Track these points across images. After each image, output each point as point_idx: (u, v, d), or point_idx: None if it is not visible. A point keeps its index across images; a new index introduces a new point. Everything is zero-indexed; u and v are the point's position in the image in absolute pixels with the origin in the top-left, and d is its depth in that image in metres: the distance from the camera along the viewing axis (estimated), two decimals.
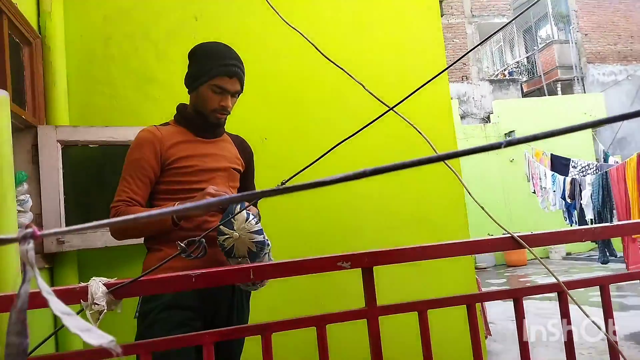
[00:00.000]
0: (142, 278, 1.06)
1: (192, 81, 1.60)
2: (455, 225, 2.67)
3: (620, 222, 1.52)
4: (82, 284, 1.03)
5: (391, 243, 1.31)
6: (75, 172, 2.21)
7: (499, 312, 5.34)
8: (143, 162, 1.51)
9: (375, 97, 1.41)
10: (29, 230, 0.41)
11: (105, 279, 1.06)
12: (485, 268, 10.53)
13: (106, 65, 2.47)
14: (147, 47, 2.52)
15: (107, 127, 2.25)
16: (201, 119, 1.62)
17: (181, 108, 1.67)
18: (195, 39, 2.52)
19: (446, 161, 1.49)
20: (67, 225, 2.12)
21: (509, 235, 1.34)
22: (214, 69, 1.54)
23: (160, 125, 1.62)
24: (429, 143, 1.36)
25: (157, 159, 1.53)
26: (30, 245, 0.41)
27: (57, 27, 2.35)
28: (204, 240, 1.11)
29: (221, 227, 1.41)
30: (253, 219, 1.46)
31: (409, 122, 1.40)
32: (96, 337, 0.36)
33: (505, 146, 0.43)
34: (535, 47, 14.87)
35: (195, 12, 2.60)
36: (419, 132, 1.41)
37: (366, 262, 1.26)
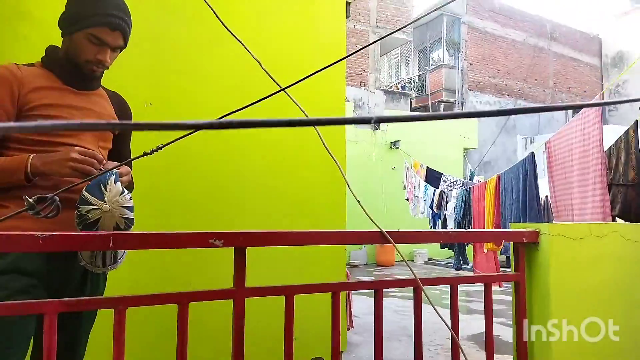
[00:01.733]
0: None
1: (67, 24, 1.41)
2: (334, 220, 2.76)
3: (472, 230, 1.70)
4: None
5: (269, 226, 1.30)
6: None
7: (363, 307, 5.67)
8: None
9: (269, 75, 1.40)
10: None
11: None
12: (357, 265, 11.15)
13: None
14: None
15: None
16: (72, 66, 1.43)
17: (52, 50, 1.47)
18: None
19: (332, 155, 1.54)
20: None
21: (378, 230, 1.41)
22: (95, 17, 1.38)
23: (23, 64, 1.41)
24: (303, 110, 1.38)
25: (12, 101, 1.32)
26: None
27: None
28: (57, 198, 0.97)
29: (88, 195, 1.25)
30: (127, 194, 1.34)
31: (296, 103, 1.41)
32: None
33: (374, 122, 0.44)
34: (427, 68, 16.05)
35: None
36: (302, 110, 1.42)
37: (240, 242, 1.24)
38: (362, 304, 5.83)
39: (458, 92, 15.11)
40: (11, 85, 1.32)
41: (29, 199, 0.96)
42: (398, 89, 15.60)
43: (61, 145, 1.33)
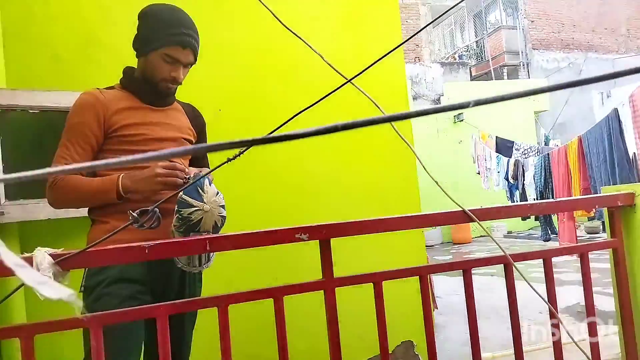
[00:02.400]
0: (90, 249, 1.01)
1: (141, 45, 1.49)
2: (408, 202, 2.73)
3: (561, 199, 1.61)
4: (27, 254, 0.96)
5: (344, 219, 1.32)
6: (14, 139, 2.06)
7: (445, 288, 5.59)
8: (84, 127, 1.40)
9: (333, 68, 1.40)
10: None
11: (51, 249, 1.00)
12: (432, 245, 10.95)
13: (46, 24, 2.29)
14: (91, 6, 2.36)
15: (50, 91, 2.10)
16: (149, 86, 1.51)
17: (128, 71, 1.55)
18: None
19: (402, 136, 1.52)
20: (6, 196, 1.98)
21: (460, 209, 1.38)
22: (167, 37, 1.44)
23: (104, 88, 1.51)
24: (381, 111, 1.36)
25: (99, 125, 1.42)
26: None
27: None
28: (157, 210, 1.06)
29: (188, 199, 1.35)
30: (220, 194, 1.43)
31: (364, 93, 1.40)
32: (53, 290, 0.34)
33: (473, 105, 0.43)
34: (484, 32, 15.29)
35: None
36: (374, 103, 1.41)
37: (324, 234, 1.26)
38: (442, 284, 5.75)
39: (521, 52, 14.26)
40: (97, 110, 1.42)
41: (133, 213, 1.04)
42: (455, 59, 15.01)
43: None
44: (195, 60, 1.55)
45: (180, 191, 1.33)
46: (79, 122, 1.41)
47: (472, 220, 1.38)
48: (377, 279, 1.31)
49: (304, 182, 2.61)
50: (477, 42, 15.83)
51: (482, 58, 15.35)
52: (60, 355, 2.06)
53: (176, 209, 1.34)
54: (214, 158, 1.69)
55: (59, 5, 2.31)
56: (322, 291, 1.27)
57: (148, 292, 1.41)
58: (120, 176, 1.38)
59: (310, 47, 1.49)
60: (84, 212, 2.03)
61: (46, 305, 1.62)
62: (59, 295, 0.33)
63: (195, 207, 1.35)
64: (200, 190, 1.37)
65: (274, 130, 1.30)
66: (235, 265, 2.28)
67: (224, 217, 1.44)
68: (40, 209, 2.00)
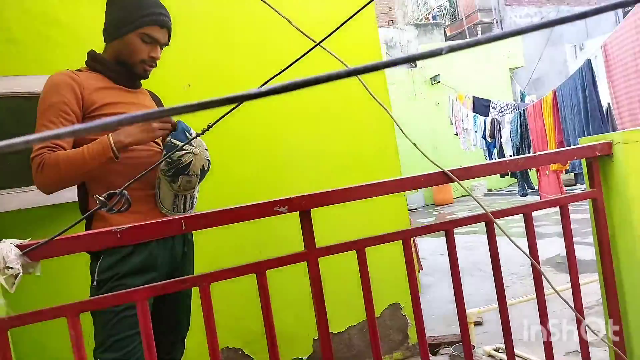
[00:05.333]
0: (59, 237, 0.97)
1: (115, 28, 1.45)
2: (388, 167, 2.71)
3: (539, 153, 1.60)
4: None
5: (323, 188, 1.29)
6: None
7: (429, 249, 5.68)
8: (64, 106, 1.35)
9: (302, 32, 1.35)
10: None
11: (18, 240, 0.95)
12: (415, 209, 11.10)
13: None
14: None
15: (8, 76, 1.99)
16: (124, 68, 1.49)
17: (95, 55, 1.51)
18: None
19: (380, 102, 1.48)
20: None
21: (440, 170, 1.37)
22: (145, 17, 1.43)
23: (73, 70, 1.46)
24: (342, 62, 1.32)
25: (78, 104, 1.38)
26: None
27: None
28: (126, 192, 1.02)
29: (177, 142, 1.40)
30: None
31: (333, 55, 1.36)
32: None
33: (445, 53, 0.40)
34: None
35: None
36: (341, 62, 1.37)
37: (303, 205, 1.24)
38: (427, 245, 5.85)
39: (494, 9, 14.18)
40: (74, 89, 1.38)
41: (100, 197, 1.00)
42: (429, 20, 14.85)
43: None
44: (169, 41, 1.55)
45: (168, 136, 1.40)
46: (58, 101, 1.35)
47: (453, 181, 1.37)
48: (359, 246, 1.30)
49: (280, 153, 2.56)
50: (449, 1, 15.66)
51: (455, 17, 15.23)
52: (43, 346, 2.03)
53: (164, 153, 1.39)
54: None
55: None
56: (305, 262, 1.26)
57: (159, 278, 1.43)
58: (109, 134, 1.34)
59: (277, 12, 1.43)
60: (55, 199, 1.97)
61: (18, 298, 1.58)
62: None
63: (185, 150, 1.41)
64: (188, 135, 1.42)
65: (243, 98, 1.25)
66: (217, 243, 2.25)
67: (209, 161, 1.52)
68: (9, 199, 1.93)
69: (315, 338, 2.54)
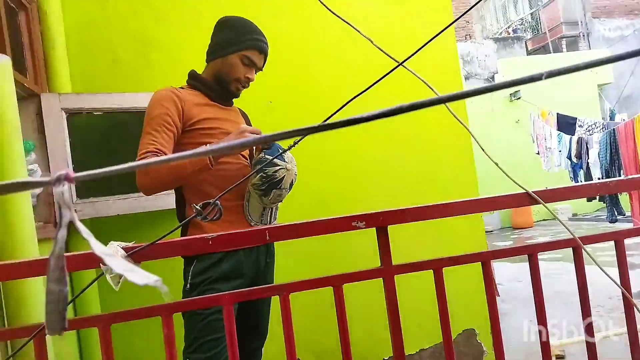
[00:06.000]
0: (158, 242, 1.06)
1: (220, 48, 1.61)
2: (465, 186, 2.65)
3: (634, 176, 1.50)
4: None
5: (399, 204, 1.30)
6: (82, 141, 2.19)
7: (507, 275, 5.41)
8: (167, 117, 1.49)
9: (384, 52, 1.37)
10: (63, 172, 0.39)
11: (123, 242, 1.06)
12: (491, 231, 10.59)
13: (105, 28, 2.39)
14: (144, 8, 2.45)
15: (113, 93, 2.20)
16: (220, 86, 1.63)
17: (196, 74, 1.67)
18: (194, 0, 2.45)
19: (457, 117, 1.47)
20: (78, 195, 2.11)
21: (523, 192, 1.32)
22: (248, 41, 1.58)
23: (177, 87, 1.62)
24: (436, 92, 1.32)
25: (179, 117, 1.52)
26: (65, 187, 0.40)
27: None
28: (219, 202, 1.10)
29: (270, 158, 1.51)
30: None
31: (417, 76, 1.36)
32: (141, 276, 0.36)
33: (545, 78, 0.40)
34: (539, 3, 14.47)
35: None
36: (428, 85, 1.37)
37: (381, 221, 1.25)
38: (504, 270, 5.56)
39: (580, 22, 13.39)
40: (176, 103, 1.52)
41: (196, 206, 1.09)
42: (509, 33, 14.33)
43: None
44: (263, 67, 1.68)
45: (262, 152, 1.54)
46: (162, 112, 1.49)
47: (536, 203, 1.32)
48: (437, 266, 1.29)
49: (357, 169, 2.59)
50: (531, 14, 15.02)
51: (538, 31, 14.57)
52: (131, 344, 2.18)
53: (260, 169, 1.50)
54: None
55: (116, 9, 2.41)
56: (380, 279, 1.26)
57: (244, 285, 1.53)
58: (208, 144, 1.48)
59: (359, 31, 1.47)
60: (151, 207, 2.14)
61: (116, 297, 1.72)
62: (147, 281, 0.35)
63: (279, 166, 1.52)
64: (281, 153, 1.52)
65: (329, 117, 1.29)
66: (290, 255, 2.31)
67: (296, 175, 1.62)
68: (109, 206, 2.12)
69: (386, 358, 2.51)
